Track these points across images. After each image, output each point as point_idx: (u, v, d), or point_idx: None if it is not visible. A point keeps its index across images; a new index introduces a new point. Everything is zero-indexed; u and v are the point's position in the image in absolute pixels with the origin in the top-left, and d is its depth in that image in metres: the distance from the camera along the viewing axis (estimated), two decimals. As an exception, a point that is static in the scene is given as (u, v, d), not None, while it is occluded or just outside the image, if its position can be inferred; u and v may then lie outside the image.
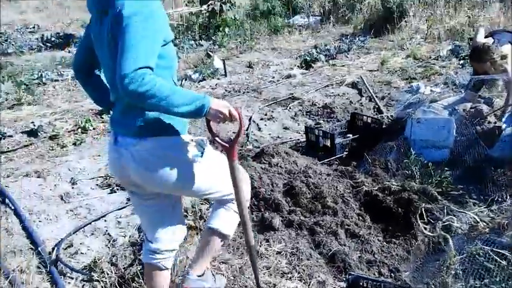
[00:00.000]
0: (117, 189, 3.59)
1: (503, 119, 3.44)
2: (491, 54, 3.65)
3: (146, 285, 2.19)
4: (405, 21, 8.92)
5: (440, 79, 5.71)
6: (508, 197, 2.88)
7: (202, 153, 1.83)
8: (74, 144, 4.62)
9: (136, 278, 2.43)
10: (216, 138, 1.85)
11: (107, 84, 1.87)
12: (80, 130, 4.98)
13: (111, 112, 1.90)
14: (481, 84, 3.99)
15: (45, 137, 4.81)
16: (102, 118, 5.30)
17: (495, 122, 3.43)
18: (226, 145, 1.83)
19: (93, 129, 5.03)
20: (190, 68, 7.51)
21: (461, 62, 6.30)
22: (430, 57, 6.98)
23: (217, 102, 1.68)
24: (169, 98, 1.54)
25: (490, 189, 3.01)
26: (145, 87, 1.48)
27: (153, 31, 1.58)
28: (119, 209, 3.29)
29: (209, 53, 8.12)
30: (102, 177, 3.89)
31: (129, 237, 2.93)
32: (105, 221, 3.17)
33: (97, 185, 3.79)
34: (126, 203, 3.32)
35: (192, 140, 1.84)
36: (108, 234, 3.01)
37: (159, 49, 1.61)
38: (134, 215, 3.05)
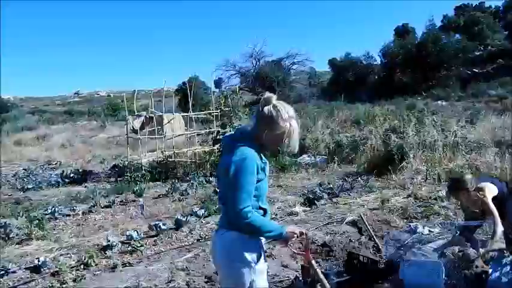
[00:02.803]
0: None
1: (490, 264, 3.46)
2: (465, 184, 3.89)
3: None
4: (406, 163, 9.28)
5: (439, 220, 5.81)
6: None
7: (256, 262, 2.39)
8: (74, 280, 4.67)
9: None
10: (294, 250, 2.79)
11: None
12: (82, 266, 5.07)
13: None
14: (472, 228, 4.10)
15: (47, 273, 4.89)
16: (106, 254, 5.42)
17: (482, 266, 3.44)
18: (303, 252, 2.74)
19: (96, 265, 5.11)
20: (197, 203, 7.80)
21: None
22: (430, 198, 7.14)
23: (291, 228, 2.48)
24: (262, 228, 2.32)
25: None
26: (247, 220, 2.25)
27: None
28: None
29: (216, 189, 8.48)
30: (95, 316, 3.87)
31: None
32: None
33: (90, 324, 3.77)
34: None
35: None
36: None
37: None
38: None
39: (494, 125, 12.75)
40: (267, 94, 2.44)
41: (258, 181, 2.37)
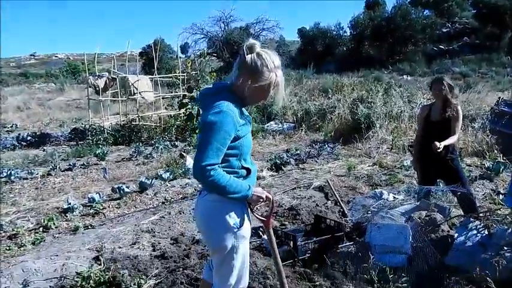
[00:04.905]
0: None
1: (456, 229, 3.55)
2: (447, 80, 4.33)
3: None
4: (372, 132, 9.41)
5: (403, 187, 5.90)
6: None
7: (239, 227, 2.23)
8: (33, 243, 4.49)
9: None
10: (256, 215, 2.39)
11: None
12: (41, 229, 4.88)
13: None
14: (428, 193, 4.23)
15: (3, 237, 4.68)
16: (66, 216, 5.22)
17: (448, 231, 3.52)
18: (264, 219, 2.45)
19: (56, 227, 4.93)
20: (162, 167, 7.63)
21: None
22: (395, 166, 7.25)
23: (257, 190, 2.26)
24: (226, 188, 2.11)
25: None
26: (210, 178, 2.07)
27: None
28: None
29: (182, 153, 8.32)
30: (56, 278, 3.72)
31: None
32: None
33: (51, 286, 3.62)
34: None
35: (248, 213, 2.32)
36: None
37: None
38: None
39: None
40: (250, 41, 2.16)
41: (237, 139, 2.15)
